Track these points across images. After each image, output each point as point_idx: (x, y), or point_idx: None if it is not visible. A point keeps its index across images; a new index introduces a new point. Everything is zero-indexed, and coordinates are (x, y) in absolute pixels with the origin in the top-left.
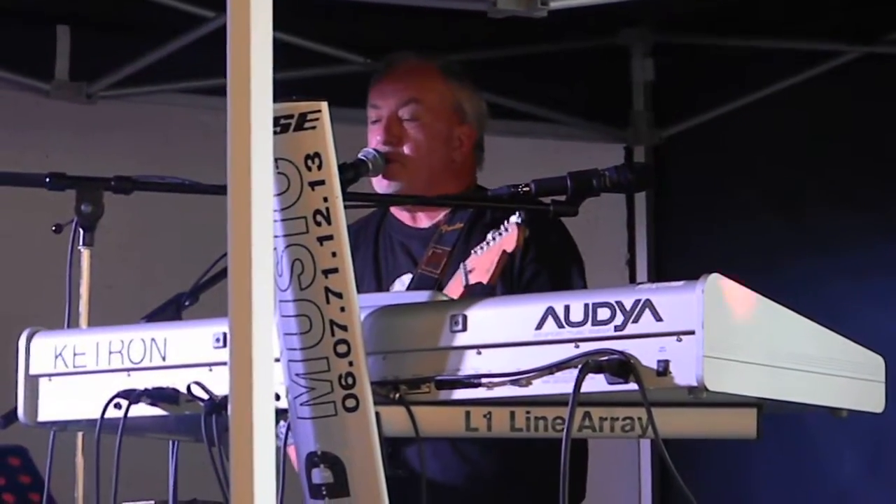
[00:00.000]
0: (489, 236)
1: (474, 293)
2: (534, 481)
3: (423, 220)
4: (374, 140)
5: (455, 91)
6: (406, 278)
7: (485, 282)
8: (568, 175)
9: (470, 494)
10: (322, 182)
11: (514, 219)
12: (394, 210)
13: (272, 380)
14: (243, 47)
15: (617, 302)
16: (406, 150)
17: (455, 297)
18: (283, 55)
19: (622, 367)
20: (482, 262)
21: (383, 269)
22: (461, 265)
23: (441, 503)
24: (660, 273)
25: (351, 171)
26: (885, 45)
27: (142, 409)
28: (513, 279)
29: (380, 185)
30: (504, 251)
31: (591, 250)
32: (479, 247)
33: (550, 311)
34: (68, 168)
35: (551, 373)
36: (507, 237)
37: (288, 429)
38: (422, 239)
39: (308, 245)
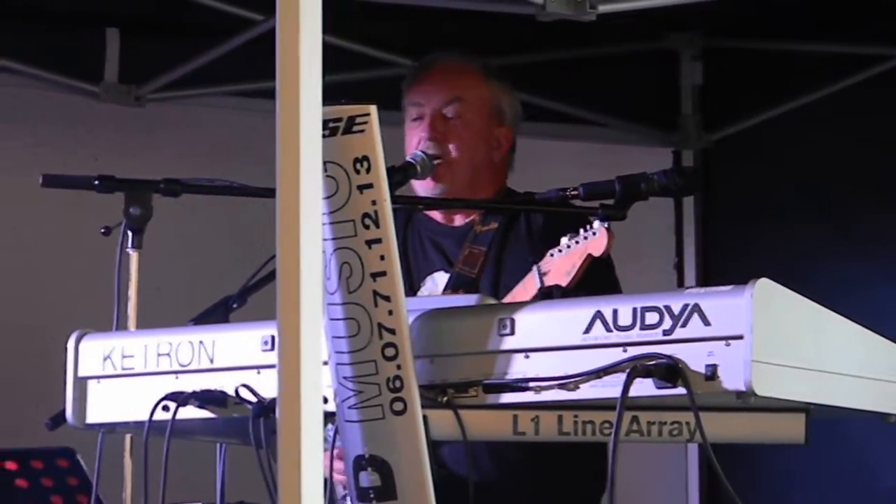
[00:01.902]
0: (566, 240)
1: (553, 295)
2: (557, 477)
3: (458, 219)
4: (416, 137)
5: (495, 92)
6: (439, 276)
7: (563, 284)
8: (616, 179)
9: (502, 490)
10: (370, 185)
11: (598, 223)
12: None
13: (320, 383)
14: (293, 50)
15: (665, 306)
16: (451, 148)
17: (528, 297)
18: (331, 58)
19: (670, 371)
20: (561, 265)
21: (413, 264)
22: (535, 267)
23: (475, 500)
24: (708, 277)
25: (399, 175)
26: None
27: (190, 412)
28: None
29: (424, 187)
30: (590, 255)
31: (639, 254)
32: (556, 249)
33: (598, 315)
34: (117, 171)
35: (599, 377)
36: (594, 241)
37: (336, 432)
38: (455, 237)
39: (356, 248)
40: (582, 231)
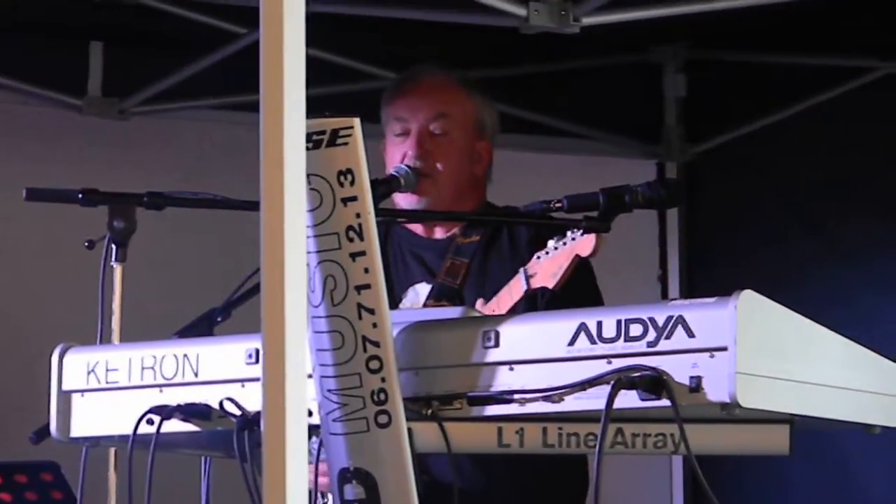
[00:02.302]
0: (552, 243)
1: (538, 298)
2: (541, 483)
3: (439, 232)
4: (400, 154)
5: (477, 106)
6: (420, 287)
7: (550, 286)
8: (600, 191)
9: (486, 496)
10: (354, 198)
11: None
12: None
13: (304, 396)
14: (276, 63)
15: (649, 318)
16: (438, 165)
17: (514, 301)
18: (314, 71)
19: (655, 383)
20: (547, 267)
21: (394, 276)
22: (521, 270)
23: None
24: (692, 289)
25: (383, 187)
26: None
27: (174, 425)
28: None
29: (407, 200)
30: (577, 256)
31: (624, 266)
32: (543, 252)
33: (583, 327)
34: (101, 184)
35: (584, 389)
36: (582, 241)
37: (320, 445)
38: (436, 250)
39: (340, 261)
40: (569, 233)
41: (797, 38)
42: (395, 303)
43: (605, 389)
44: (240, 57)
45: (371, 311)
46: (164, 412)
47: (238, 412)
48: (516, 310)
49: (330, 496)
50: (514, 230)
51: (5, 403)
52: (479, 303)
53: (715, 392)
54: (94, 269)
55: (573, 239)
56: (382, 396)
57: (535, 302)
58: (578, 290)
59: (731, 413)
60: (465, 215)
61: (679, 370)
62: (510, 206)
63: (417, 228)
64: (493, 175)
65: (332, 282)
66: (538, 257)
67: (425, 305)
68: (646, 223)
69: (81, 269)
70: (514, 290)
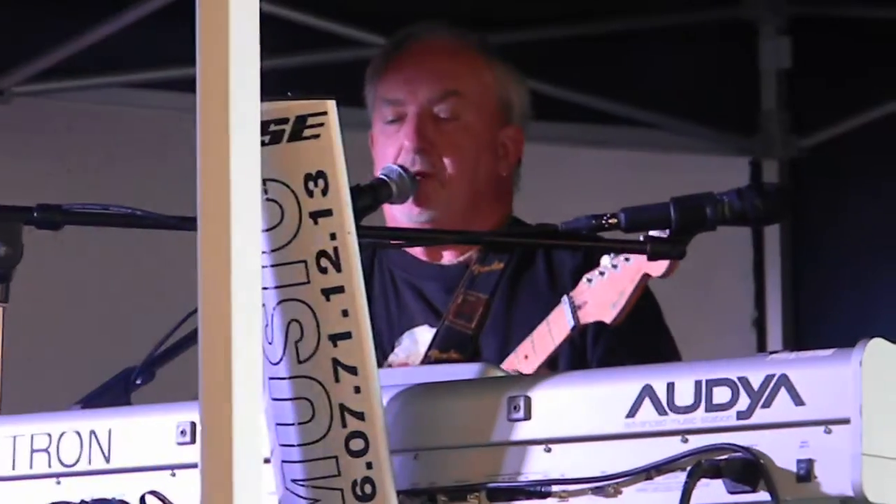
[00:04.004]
0: (608, 260)
1: (587, 338)
2: None
3: (448, 256)
4: (394, 147)
5: (501, 79)
6: (420, 332)
7: (607, 321)
8: (671, 201)
9: None
10: (328, 212)
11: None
12: None
13: (260, 489)
14: (218, 25)
15: (740, 378)
16: (446, 162)
17: (556, 343)
18: (273, 35)
19: (748, 469)
20: (602, 294)
21: (384, 318)
22: (565, 298)
23: None
24: (800, 338)
25: (368, 197)
26: None
27: None
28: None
29: (403, 213)
30: (646, 274)
31: (706, 306)
32: (596, 272)
33: (648, 392)
34: None
35: (650, 477)
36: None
37: None
38: (443, 280)
39: (309, 300)
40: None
41: None
42: (383, 356)
43: (680, 478)
44: (163, 17)
45: (352, 371)
46: None
47: None
48: (559, 358)
49: None
50: (554, 256)
51: None
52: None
53: (832, 482)
54: None
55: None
56: (368, 489)
57: (584, 344)
58: (642, 328)
59: None
60: (482, 236)
61: (782, 451)
62: (546, 224)
63: (417, 250)
64: (522, 178)
65: (298, 329)
66: (588, 280)
67: (426, 358)
68: (736, 246)
69: None
70: (555, 327)
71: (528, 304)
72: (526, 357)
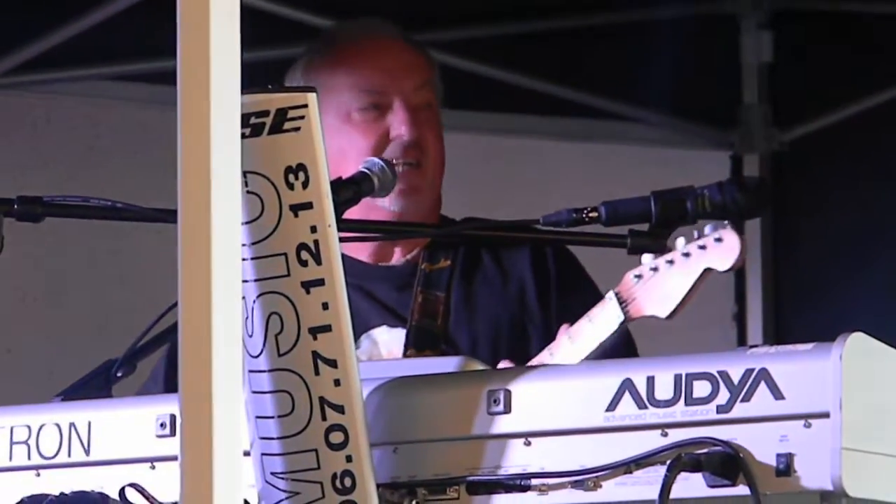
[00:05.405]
0: (649, 261)
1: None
2: None
3: (396, 255)
4: (371, 138)
5: (436, 73)
6: (379, 333)
7: (663, 315)
8: (652, 195)
9: None
10: (309, 205)
11: (709, 229)
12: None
13: (239, 481)
14: (199, 17)
15: (720, 372)
16: (431, 150)
17: (599, 340)
18: (254, 27)
19: (728, 463)
20: (655, 289)
21: None
22: (610, 293)
23: None
24: (780, 332)
25: (349, 190)
26: None
27: None
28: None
29: (382, 205)
30: (708, 269)
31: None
32: (648, 269)
33: (628, 386)
34: None
35: (629, 471)
36: (716, 249)
37: None
38: (392, 280)
39: (289, 293)
40: (688, 243)
41: None
42: None
43: (660, 471)
44: (143, 9)
45: (332, 364)
46: None
47: None
48: (602, 351)
49: None
50: (500, 251)
51: None
52: (563, 329)
53: (811, 476)
54: None
55: (702, 248)
56: (348, 482)
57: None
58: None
59: None
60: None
61: (761, 445)
62: (470, 219)
63: (360, 252)
64: (482, 173)
65: (278, 322)
66: (637, 276)
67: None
68: None
69: None
70: (600, 322)
71: (484, 297)
72: (564, 345)
